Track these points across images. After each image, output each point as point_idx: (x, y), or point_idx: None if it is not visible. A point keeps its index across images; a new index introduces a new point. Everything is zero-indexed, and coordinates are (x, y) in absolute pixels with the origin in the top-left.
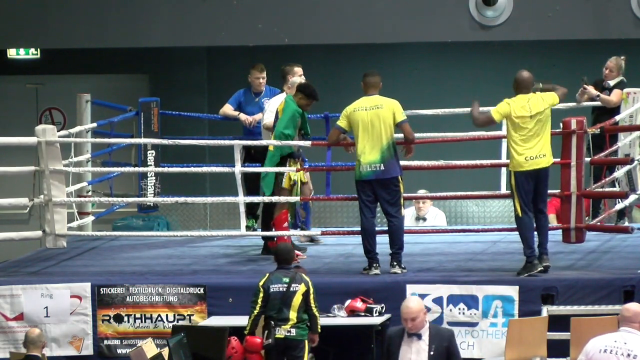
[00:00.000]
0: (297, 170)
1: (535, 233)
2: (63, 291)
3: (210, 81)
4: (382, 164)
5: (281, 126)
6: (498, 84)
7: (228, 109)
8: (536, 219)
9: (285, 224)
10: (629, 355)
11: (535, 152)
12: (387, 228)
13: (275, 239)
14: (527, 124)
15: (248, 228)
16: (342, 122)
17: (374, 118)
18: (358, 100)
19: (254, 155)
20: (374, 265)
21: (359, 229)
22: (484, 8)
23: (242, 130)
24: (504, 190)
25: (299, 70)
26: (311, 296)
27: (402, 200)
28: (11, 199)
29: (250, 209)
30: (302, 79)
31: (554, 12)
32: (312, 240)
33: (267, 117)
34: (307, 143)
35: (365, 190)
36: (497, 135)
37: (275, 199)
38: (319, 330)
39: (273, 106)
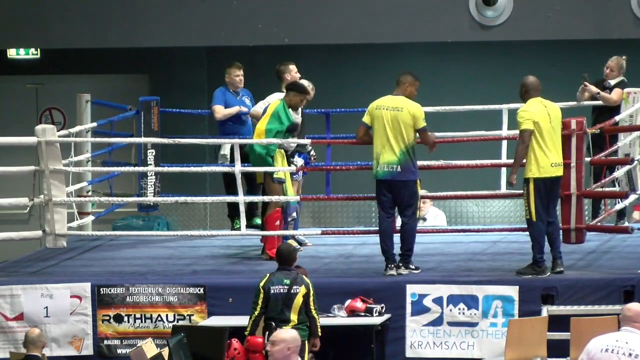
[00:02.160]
0: (297, 170)
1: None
2: (63, 291)
3: (210, 81)
4: (399, 166)
5: (264, 124)
6: (498, 84)
7: (222, 109)
8: (548, 226)
9: (277, 223)
10: (630, 354)
11: (557, 159)
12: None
13: (264, 241)
14: (547, 129)
15: (236, 228)
16: (366, 118)
17: (393, 119)
18: (383, 98)
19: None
20: (390, 265)
21: (359, 228)
22: (484, 8)
23: (224, 129)
24: (504, 190)
25: (293, 67)
26: (311, 298)
27: (418, 204)
28: (11, 199)
29: (236, 208)
30: (297, 76)
31: (554, 12)
32: (299, 243)
33: (258, 107)
34: (307, 141)
35: (382, 190)
36: (497, 135)
37: (275, 198)
38: (320, 334)
39: (269, 99)
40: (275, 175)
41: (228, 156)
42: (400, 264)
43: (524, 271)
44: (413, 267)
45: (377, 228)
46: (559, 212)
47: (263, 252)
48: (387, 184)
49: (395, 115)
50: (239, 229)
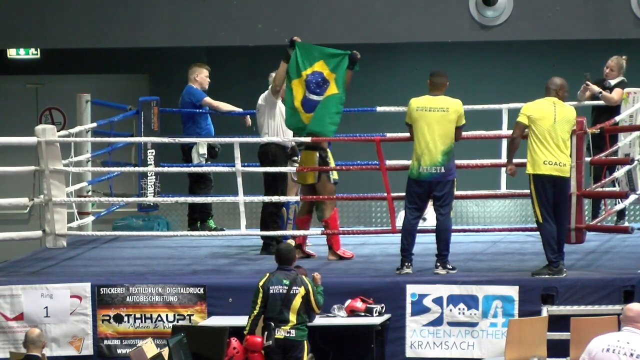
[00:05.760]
0: (298, 170)
1: None
2: (63, 291)
3: (211, 81)
4: (442, 167)
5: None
6: (498, 84)
7: (219, 102)
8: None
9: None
10: (631, 354)
11: (554, 158)
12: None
13: (331, 242)
14: (549, 128)
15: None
16: (408, 119)
17: (440, 120)
18: (422, 98)
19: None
20: (406, 264)
21: (359, 228)
22: (484, 8)
23: (196, 131)
24: (504, 190)
25: None
26: (312, 297)
27: (453, 202)
28: (11, 199)
29: (196, 211)
30: None
31: (554, 12)
32: None
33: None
34: (308, 139)
35: (418, 190)
36: (497, 134)
37: (275, 198)
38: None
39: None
40: (333, 177)
41: (206, 155)
42: (438, 264)
43: (540, 272)
44: (450, 267)
45: (377, 228)
46: None
47: (332, 254)
48: (428, 185)
49: (442, 116)
50: (200, 229)
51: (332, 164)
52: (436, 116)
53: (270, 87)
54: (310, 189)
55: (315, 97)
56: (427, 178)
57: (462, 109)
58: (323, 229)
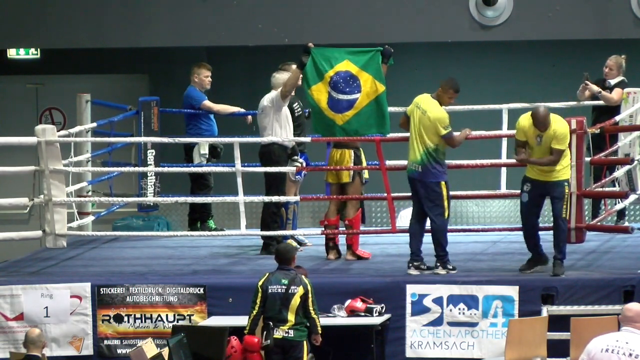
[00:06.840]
0: (297, 170)
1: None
2: (63, 291)
3: (211, 81)
4: (420, 166)
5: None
6: (498, 84)
7: (220, 105)
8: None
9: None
10: (630, 354)
11: None
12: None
13: (350, 242)
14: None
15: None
16: (408, 109)
17: (419, 120)
18: (423, 96)
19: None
20: (408, 264)
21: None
22: (484, 8)
23: (200, 131)
24: (504, 190)
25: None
26: (309, 299)
27: (445, 204)
28: (11, 199)
29: (197, 211)
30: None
31: (554, 12)
32: (299, 243)
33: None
34: (307, 139)
35: (411, 186)
36: (497, 134)
37: (275, 198)
38: (320, 331)
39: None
40: (364, 176)
41: (207, 155)
42: (438, 264)
43: (560, 271)
44: (450, 267)
45: (377, 228)
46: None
47: (350, 254)
48: (411, 181)
49: (420, 117)
50: (200, 229)
51: (365, 162)
52: (419, 115)
53: (279, 90)
54: (342, 188)
55: (344, 97)
56: (408, 173)
57: (441, 119)
58: (324, 228)
